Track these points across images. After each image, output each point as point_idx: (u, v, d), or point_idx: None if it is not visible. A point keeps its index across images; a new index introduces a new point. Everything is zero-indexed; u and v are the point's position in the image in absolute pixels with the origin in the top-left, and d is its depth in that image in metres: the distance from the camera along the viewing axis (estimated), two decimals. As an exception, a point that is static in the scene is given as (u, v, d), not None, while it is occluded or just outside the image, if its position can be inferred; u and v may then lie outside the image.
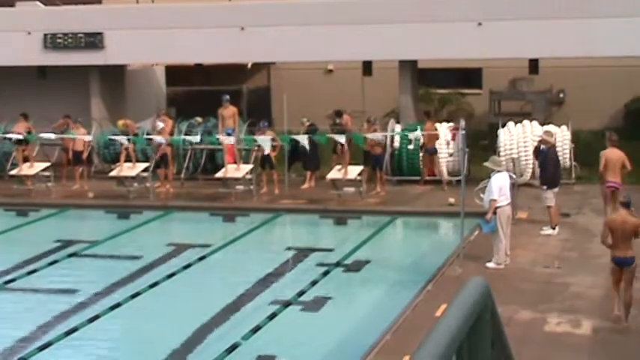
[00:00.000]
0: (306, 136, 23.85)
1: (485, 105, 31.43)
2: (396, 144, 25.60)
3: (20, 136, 25.79)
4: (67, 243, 20.49)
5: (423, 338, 3.54)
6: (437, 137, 24.64)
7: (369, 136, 23.98)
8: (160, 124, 25.40)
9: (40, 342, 13.90)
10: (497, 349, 4.29)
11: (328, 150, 25.61)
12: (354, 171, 23.93)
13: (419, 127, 24.60)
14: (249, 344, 13.55)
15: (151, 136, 25.45)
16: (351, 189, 23.65)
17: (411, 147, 25.38)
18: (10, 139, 26.23)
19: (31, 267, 18.61)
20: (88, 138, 25.81)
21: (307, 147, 23.86)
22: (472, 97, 32.53)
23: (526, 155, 23.93)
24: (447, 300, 13.05)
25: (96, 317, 15.00)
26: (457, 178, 23.33)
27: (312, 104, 29.17)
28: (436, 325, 3.62)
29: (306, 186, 25.02)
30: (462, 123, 18.64)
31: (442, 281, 16.12)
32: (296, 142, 24.33)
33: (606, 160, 19.35)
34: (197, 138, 24.72)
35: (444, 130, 25.42)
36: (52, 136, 25.80)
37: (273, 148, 24.68)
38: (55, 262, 19.11)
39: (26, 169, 25.95)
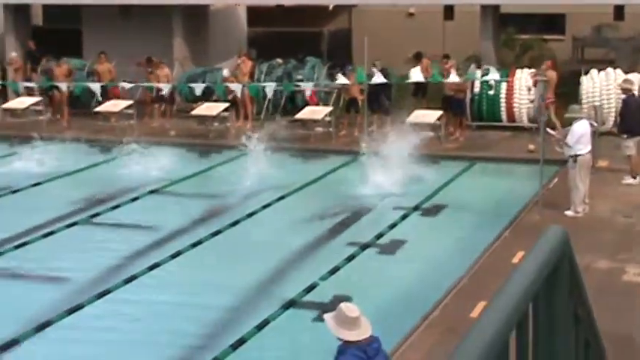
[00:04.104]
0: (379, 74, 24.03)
1: (568, 51, 30.99)
2: (476, 89, 25.47)
3: (100, 86, 26.19)
4: (149, 180, 20.87)
5: (501, 285, 3.65)
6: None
7: (451, 80, 23.95)
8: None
9: (124, 275, 14.33)
10: (575, 297, 4.37)
11: (406, 95, 25.65)
12: (433, 115, 23.90)
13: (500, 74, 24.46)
14: (327, 285, 13.79)
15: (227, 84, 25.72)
16: (430, 133, 23.64)
17: (491, 92, 25.25)
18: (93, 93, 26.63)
19: (115, 202, 19.08)
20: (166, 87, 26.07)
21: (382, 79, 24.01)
22: (554, 43, 32.08)
23: (608, 103, 23.63)
24: (524, 247, 13.18)
25: (178, 254, 15.37)
26: (537, 125, 23.16)
27: (393, 47, 29.06)
28: (513, 272, 3.71)
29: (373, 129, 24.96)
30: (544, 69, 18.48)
31: (519, 228, 16.14)
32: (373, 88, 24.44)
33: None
34: (272, 87, 24.81)
35: (525, 76, 25.21)
36: (129, 85, 25.99)
37: (361, 92, 24.77)
38: (136, 198, 19.54)
39: (110, 107, 26.41)
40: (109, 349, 11.91)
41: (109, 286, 13.83)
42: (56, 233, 16.83)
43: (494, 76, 24.14)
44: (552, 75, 23.39)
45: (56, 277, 14.47)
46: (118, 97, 26.52)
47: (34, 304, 13.31)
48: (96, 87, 26.34)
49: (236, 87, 25.12)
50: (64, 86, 26.46)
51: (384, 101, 25.38)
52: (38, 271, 14.78)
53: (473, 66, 25.90)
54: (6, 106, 27.20)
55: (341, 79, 25.04)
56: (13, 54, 29.60)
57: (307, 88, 25.23)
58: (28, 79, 28.65)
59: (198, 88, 25.44)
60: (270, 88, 24.87)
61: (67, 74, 27.58)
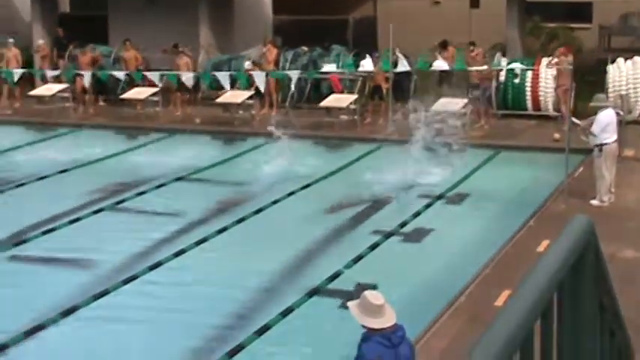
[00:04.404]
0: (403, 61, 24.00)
1: (595, 40, 30.84)
2: (502, 78, 25.40)
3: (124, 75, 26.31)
4: (174, 167, 20.97)
5: (526, 273, 3.67)
6: None
7: (475, 68, 23.97)
8: None
9: (150, 261, 14.43)
10: (600, 287, 4.39)
11: (430, 82, 25.64)
12: (458, 103, 23.85)
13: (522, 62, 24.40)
14: (351, 273, 13.83)
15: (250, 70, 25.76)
16: (455, 121, 23.59)
17: (517, 81, 25.18)
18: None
19: (140, 189, 19.19)
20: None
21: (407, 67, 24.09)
22: (581, 31, 31.94)
23: (635, 92, 23.52)
24: (549, 236, 13.13)
25: (203, 240, 15.46)
26: (562, 114, 23.11)
27: (418, 35, 29.02)
28: (539, 261, 3.74)
29: (397, 117, 24.90)
30: (569, 58, 18.41)
31: (544, 217, 16.11)
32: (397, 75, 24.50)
33: None
34: (296, 75, 24.99)
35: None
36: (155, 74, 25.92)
37: (386, 80, 24.80)
38: (162, 185, 19.64)
39: (136, 94, 26.50)
40: (136, 331, 12.00)
41: (136, 272, 13.94)
42: (83, 219, 16.96)
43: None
44: (565, 62, 23.46)
45: (82, 263, 14.59)
46: (152, 86, 26.43)
47: (60, 288, 13.42)
48: (120, 75, 26.42)
49: (258, 76, 25.09)
50: (87, 75, 26.47)
51: (406, 88, 25.41)
52: (65, 257, 14.90)
53: (498, 54, 25.83)
54: (33, 93, 27.33)
55: (365, 66, 25.01)
56: (41, 41, 29.78)
57: (331, 72, 25.25)
58: (56, 67, 28.81)
59: (224, 78, 25.42)
60: (294, 75, 24.91)
61: (92, 62, 27.70)
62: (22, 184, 19.61)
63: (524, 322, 3.18)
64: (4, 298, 13.19)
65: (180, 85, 26.41)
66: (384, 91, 24.88)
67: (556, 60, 23.54)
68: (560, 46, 28.68)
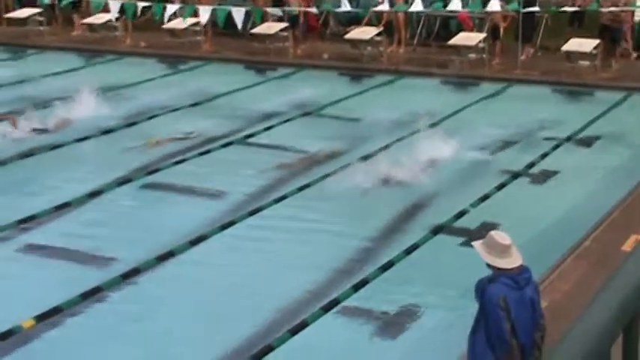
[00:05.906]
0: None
1: None
2: (637, 18, 24.70)
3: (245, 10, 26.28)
4: (302, 102, 21.16)
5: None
6: None
7: (609, 9, 23.39)
8: None
9: (275, 194, 14.71)
10: None
11: (562, 23, 25.15)
12: (589, 44, 23.30)
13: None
14: (477, 212, 13.83)
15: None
16: (586, 62, 23.11)
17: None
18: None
19: (268, 124, 19.45)
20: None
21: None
22: None
23: None
24: (681, 181, 12.75)
25: (328, 175, 15.63)
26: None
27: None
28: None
29: (522, 57, 24.40)
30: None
31: (676, 162, 15.76)
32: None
33: None
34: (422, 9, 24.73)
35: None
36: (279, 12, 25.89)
37: (505, 19, 24.42)
38: (289, 120, 19.86)
39: (265, 29, 26.63)
40: (258, 263, 12.28)
41: (261, 204, 14.23)
42: (212, 152, 17.34)
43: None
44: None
45: (211, 193, 14.98)
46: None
47: (189, 218, 13.82)
48: (240, 12, 26.01)
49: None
50: (206, 9, 26.18)
51: (529, 29, 24.90)
52: (194, 187, 15.30)
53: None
54: (167, 26, 27.49)
55: (492, 6, 24.61)
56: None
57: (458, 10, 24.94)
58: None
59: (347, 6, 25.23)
60: (418, 9, 24.60)
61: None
62: (154, 116, 20.06)
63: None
64: (134, 226, 13.65)
65: (295, 21, 26.34)
66: (501, 30, 24.47)
67: None
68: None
